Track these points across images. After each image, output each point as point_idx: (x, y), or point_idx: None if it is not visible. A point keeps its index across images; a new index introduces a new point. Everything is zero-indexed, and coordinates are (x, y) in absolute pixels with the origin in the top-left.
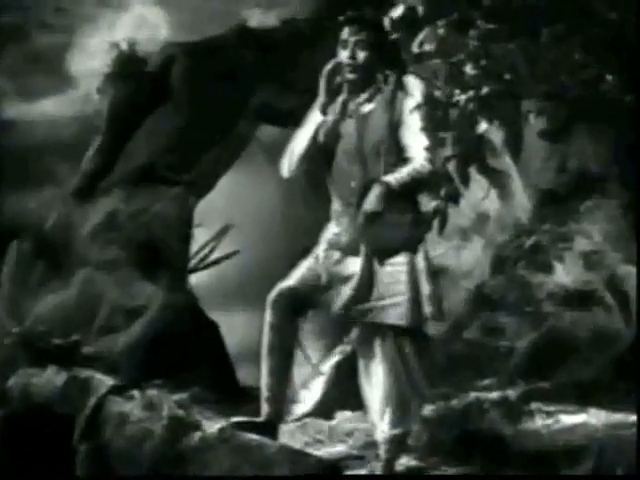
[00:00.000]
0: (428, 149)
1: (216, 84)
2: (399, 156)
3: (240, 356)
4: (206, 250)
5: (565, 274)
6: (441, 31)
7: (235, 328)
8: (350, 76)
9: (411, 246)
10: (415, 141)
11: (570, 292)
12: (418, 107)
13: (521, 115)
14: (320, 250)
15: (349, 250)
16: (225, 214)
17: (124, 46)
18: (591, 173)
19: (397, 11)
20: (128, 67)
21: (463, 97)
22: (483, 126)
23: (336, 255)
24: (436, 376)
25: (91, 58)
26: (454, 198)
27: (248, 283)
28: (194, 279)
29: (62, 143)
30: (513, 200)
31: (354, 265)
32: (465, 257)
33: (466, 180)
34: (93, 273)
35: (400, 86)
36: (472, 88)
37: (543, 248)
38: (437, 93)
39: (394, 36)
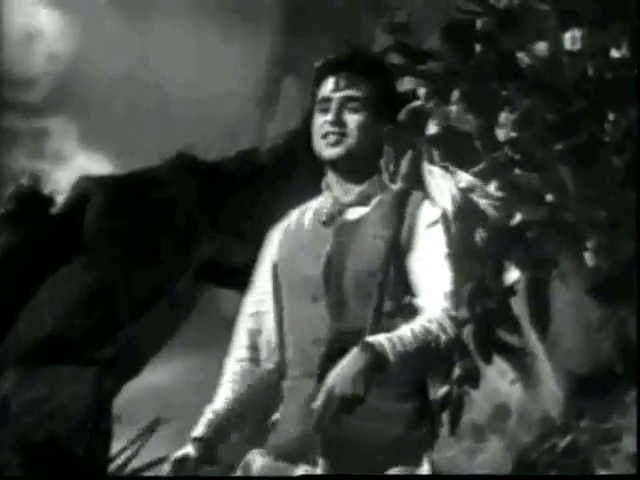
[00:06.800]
0: (452, 297)
1: (143, 230)
2: (401, 302)
3: None
4: (130, 452)
5: None
6: (454, 108)
7: None
8: (330, 152)
9: (407, 458)
10: (430, 279)
11: None
12: (444, 218)
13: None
14: (257, 458)
15: (301, 459)
16: (157, 405)
17: (24, 181)
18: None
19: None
20: (27, 207)
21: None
22: (514, 275)
23: (283, 466)
24: None
25: None
26: (472, 381)
27: None
28: None
29: None
30: (540, 388)
31: None
32: (481, 462)
33: (489, 355)
34: None
35: (417, 182)
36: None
37: (582, 450)
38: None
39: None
